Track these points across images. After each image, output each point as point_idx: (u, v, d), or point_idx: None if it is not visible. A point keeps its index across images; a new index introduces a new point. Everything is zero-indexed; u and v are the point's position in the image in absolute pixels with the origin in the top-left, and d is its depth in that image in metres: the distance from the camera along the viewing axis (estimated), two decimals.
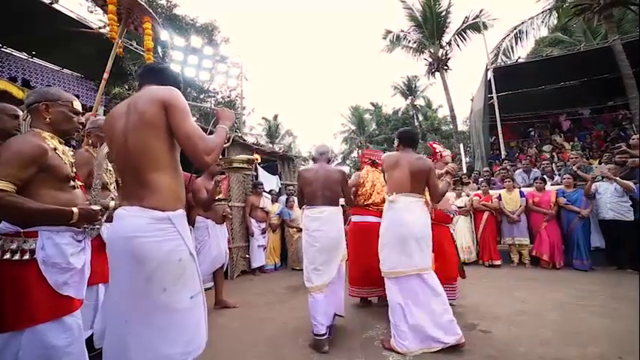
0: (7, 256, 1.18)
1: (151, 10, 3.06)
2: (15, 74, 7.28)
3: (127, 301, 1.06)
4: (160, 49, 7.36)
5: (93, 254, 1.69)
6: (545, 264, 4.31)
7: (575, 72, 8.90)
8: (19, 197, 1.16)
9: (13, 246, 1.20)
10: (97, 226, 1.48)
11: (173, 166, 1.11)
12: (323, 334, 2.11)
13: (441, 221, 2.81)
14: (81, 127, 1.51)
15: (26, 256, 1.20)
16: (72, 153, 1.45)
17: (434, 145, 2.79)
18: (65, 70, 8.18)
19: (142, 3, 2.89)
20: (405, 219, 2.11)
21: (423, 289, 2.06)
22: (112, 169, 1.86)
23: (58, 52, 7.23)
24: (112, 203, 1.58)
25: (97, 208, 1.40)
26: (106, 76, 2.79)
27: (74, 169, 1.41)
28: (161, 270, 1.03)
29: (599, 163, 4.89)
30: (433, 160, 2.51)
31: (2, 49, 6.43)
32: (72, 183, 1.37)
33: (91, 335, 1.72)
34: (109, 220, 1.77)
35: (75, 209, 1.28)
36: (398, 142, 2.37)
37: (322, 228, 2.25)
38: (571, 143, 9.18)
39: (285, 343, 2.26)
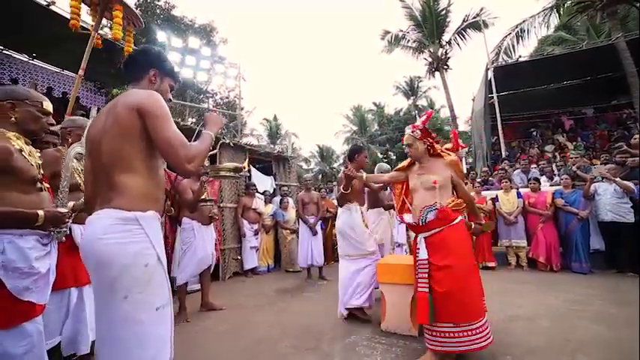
0: None
1: (125, 1, 2.90)
2: (16, 76, 7.36)
3: (95, 310, 1.02)
4: None
5: (64, 256, 1.65)
6: (542, 266, 4.20)
7: (578, 70, 8.74)
8: None
9: None
10: (64, 229, 1.45)
11: (148, 170, 1.05)
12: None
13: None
14: (51, 127, 1.49)
15: None
16: (39, 154, 1.41)
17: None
18: (66, 72, 8.27)
19: None
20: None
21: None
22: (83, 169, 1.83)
23: (57, 53, 7.30)
24: (71, 204, 1.54)
25: (64, 210, 1.36)
26: (81, 72, 2.71)
27: (42, 171, 1.38)
28: (125, 275, 0.95)
29: (602, 163, 4.76)
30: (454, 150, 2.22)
31: (3, 52, 6.50)
32: (38, 185, 1.34)
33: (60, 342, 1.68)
34: (79, 221, 1.75)
35: (40, 212, 1.24)
36: None
37: None
38: (574, 143, 9.01)
39: (267, 346, 2.21)
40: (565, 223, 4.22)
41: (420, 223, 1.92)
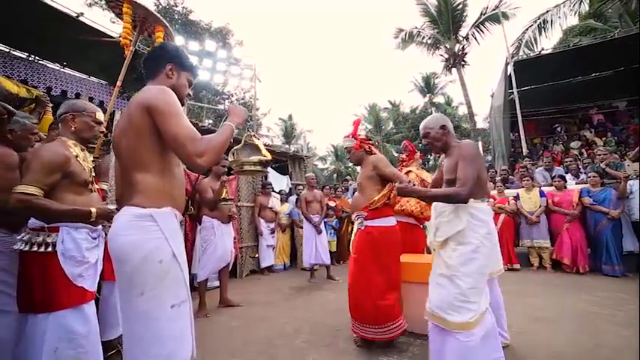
0: (35, 248, 1.32)
1: (164, 20, 3.18)
2: (50, 84, 7.85)
3: (119, 304, 1.04)
4: None
5: None
6: (567, 268, 4.01)
7: (609, 61, 8.20)
8: (45, 200, 1.32)
9: (39, 239, 1.34)
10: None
11: (162, 167, 1.06)
12: None
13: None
14: (102, 134, 1.66)
15: (49, 249, 1.34)
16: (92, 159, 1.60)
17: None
18: (92, 78, 8.74)
19: (156, 13, 3.02)
20: None
21: None
22: None
23: (84, 61, 7.74)
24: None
25: (112, 207, 1.53)
26: (119, 83, 2.92)
27: (93, 174, 1.56)
28: (140, 271, 0.96)
29: (632, 160, 4.47)
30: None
31: (39, 62, 6.93)
32: (90, 187, 1.51)
33: None
34: None
35: (93, 209, 1.42)
36: None
37: None
38: (604, 139, 8.49)
39: (281, 342, 2.25)
40: (594, 223, 4.00)
41: None
